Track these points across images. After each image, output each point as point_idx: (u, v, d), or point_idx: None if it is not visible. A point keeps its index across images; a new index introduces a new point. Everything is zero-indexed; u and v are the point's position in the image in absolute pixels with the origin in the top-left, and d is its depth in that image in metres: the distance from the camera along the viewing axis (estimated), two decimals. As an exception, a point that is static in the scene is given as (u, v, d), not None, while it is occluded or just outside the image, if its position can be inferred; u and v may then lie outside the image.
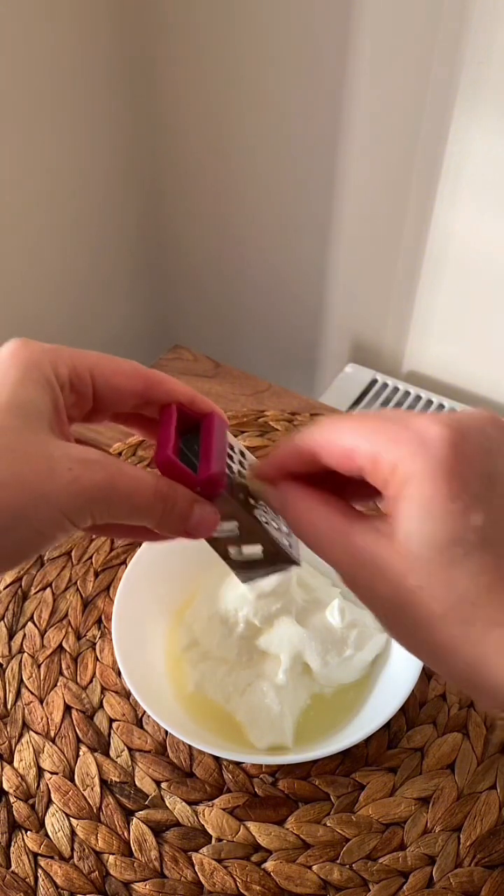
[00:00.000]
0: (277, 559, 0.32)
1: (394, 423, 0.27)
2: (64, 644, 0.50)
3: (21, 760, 0.44)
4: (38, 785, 0.44)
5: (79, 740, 0.45)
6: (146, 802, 0.43)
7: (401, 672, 0.44)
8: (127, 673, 0.42)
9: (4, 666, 0.49)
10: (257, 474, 0.31)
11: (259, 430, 0.64)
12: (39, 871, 0.41)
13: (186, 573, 0.50)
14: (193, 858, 0.41)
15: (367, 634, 0.47)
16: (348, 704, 0.46)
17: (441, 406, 0.87)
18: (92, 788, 0.43)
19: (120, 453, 0.62)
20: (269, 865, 0.41)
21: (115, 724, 0.46)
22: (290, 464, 0.31)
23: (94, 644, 0.50)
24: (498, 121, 0.69)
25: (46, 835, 0.42)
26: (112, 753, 0.45)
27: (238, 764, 0.44)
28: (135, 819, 0.42)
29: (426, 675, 0.48)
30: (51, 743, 0.45)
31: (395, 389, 0.89)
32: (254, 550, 0.32)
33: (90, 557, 0.54)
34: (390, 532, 0.27)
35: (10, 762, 0.44)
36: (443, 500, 0.25)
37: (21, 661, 0.49)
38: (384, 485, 0.27)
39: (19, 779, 0.44)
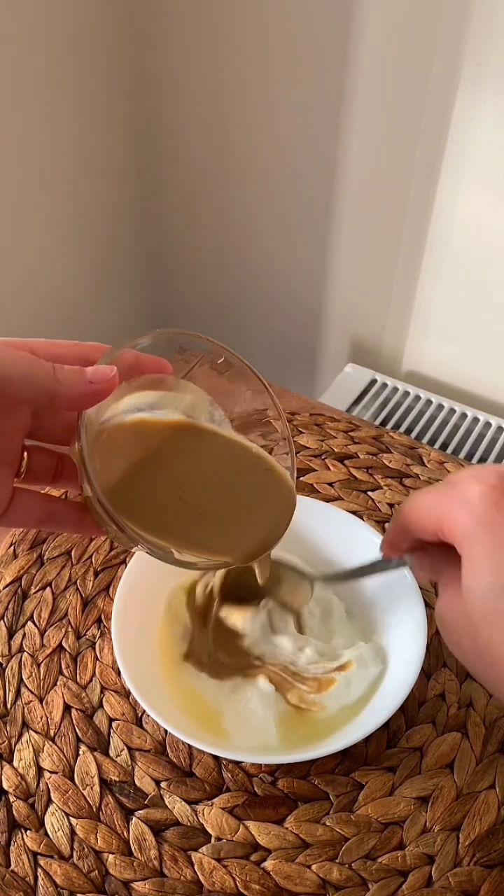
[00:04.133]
0: None
1: (446, 487, 0.31)
2: (64, 643, 0.50)
3: (21, 760, 0.44)
4: (38, 784, 0.44)
5: (78, 740, 0.45)
6: (146, 802, 0.43)
7: (400, 672, 0.44)
8: (126, 672, 0.42)
9: (4, 665, 0.49)
10: (385, 553, 0.37)
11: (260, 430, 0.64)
12: (39, 870, 0.41)
13: (187, 574, 0.51)
14: (193, 857, 0.41)
15: (362, 670, 0.46)
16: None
17: (440, 406, 0.87)
18: (91, 788, 0.43)
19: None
20: (268, 865, 0.41)
21: (114, 724, 0.46)
22: (398, 542, 0.35)
23: (94, 643, 0.50)
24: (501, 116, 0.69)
25: (46, 834, 0.42)
26: (112, 753, 0.45)
27: (237, 763, 0.44)
28: (134, 818, 0.42)
29: (425, 675, 0.48)
30: (50, 742, 0.45)
31: (395, 389, 0.89)
32: None
33: (90, 557, 0.54)
34: (462, 590, 0.29)
35: (10, 761, 0.44)
36: (489, 554, 0.27)
37: (21, 660, 0.49)
38: (459, 548, 0.30)
39: (19, 778, 0.44)
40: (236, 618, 0.47)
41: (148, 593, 0.48)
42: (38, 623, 0.51)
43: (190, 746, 0.45)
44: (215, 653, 0.47)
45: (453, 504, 0.30)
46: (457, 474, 0.31)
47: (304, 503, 0.52)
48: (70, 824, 0.42)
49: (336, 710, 0.44)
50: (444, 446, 0.83)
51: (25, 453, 0.34)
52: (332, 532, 0.51)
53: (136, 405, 0.34)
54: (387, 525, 0.57)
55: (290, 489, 0.38)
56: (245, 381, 0.37)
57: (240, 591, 0.47)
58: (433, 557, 0.34)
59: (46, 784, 0.44)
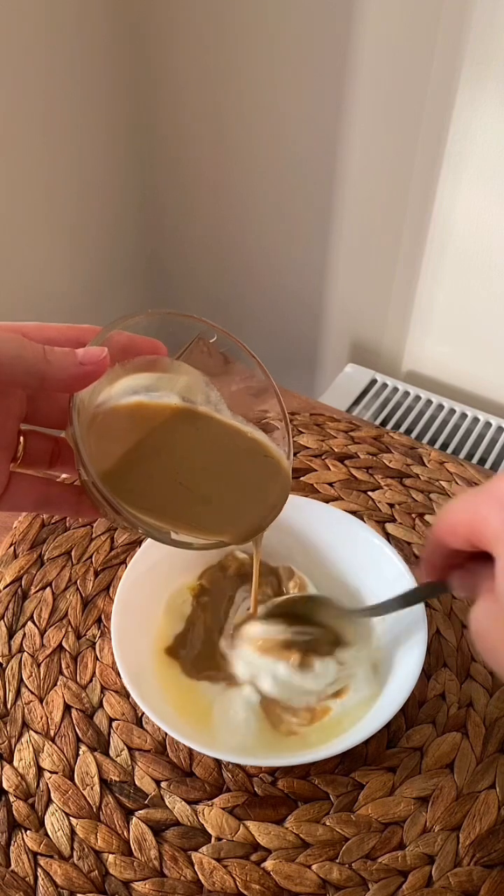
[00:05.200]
0: None
1: (477, 490, 0.30)
2: (64, 643, 0.50)
3: (21, 760, 0.44)
4: (38, 784, 0.44)
5: (78, 740, 0.45)
6: (146, 802, 0.43)
7: (400, 674, 0.44)
8: (125, 674, 0.42)
9: (4, 665, 0.49)
10: (424, 577, 0.35)
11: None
12: (39, 870, 0.41)
13: (187, 573, 0.51)
14: (193, 857, 0.41)
15: (356, 694, 0.45)
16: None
17: (440, 406, 0.87)
18: (91, 788, 0.43)
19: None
20: (268, 865, 0.41)
21: (114, 724, 0.46)
22: (436, 559, 0.34)
23: (94, 643, 0.50)
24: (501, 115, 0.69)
25: (46, 834, 0.42)
26: (112, 753, 0.45)
27: (237, 763, 0.44)
28: (134, 818, 0.42)
29: (425, 675, 0.48)
30: (50, 742, 0.45)
31: (395, 389, 0.89)
32: None
33: (90, 557, 0.54)
34: (496, 593, 0.28)
35: (10, 761, 0.44)
36: None
37: (21, 660, 0.49)
38: (491, 549, 0.29)
39: (19, 778, 0.44)
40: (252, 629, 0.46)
41: (148, 593, 0.48)
42: (38, 623, 0.51)
43: (190, 746, 0.45)
44: (202, 655, 0.47)
45: (484, 505, 0.29)
46: (492, 481, 0.30)
47: (303, 504, 0.52)
48: (70, 824, 0.42)
49: (320, 732, 0.44)
50: (444, 446, 0.83)
51: (22, 438, 0.34)
52: (332, 534, 0.51)
53: (132, 388, 0.34)
54: (387, 525, 0.57)
55: (285, 471, 0.38)
56: (239, 359, 0.37)
57: (289, 617, 0.46)
58: (472, 573, 0.33)
59: (46, 784, 0.44)
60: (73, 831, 0.42)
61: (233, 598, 0.50)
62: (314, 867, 0.41)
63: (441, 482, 0.60)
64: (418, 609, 0.45)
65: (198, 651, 0.47)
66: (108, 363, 0.30)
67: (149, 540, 0.50)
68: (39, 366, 0.28)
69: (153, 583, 0.49)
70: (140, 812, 0.43)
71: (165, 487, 0.34)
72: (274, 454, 0.38)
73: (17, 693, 0.47)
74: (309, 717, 0.44)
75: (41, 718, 0.46)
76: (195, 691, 0.46)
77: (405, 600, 0.43)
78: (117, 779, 0.44)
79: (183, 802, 0.43)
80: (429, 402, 0.88)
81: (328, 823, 0.42)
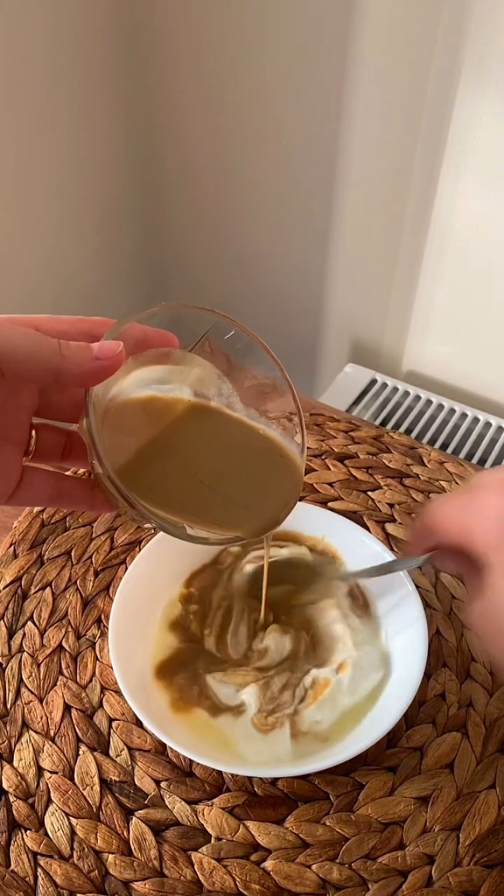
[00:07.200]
0: None
1: (467, 497, 0.33)
2: (64, 643, 0.50)
3: (21, 760, 0.44)
4: (38, 784, 0.44)
5: (78, 739, 0.45)
6: (146, 802, 0.43)
7: (402, 680, 0.44)
8: (122, 679, 0.42)
9: (4, 665, 0.49)
10: (408, 551, 0.38)
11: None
12: (39, 870, 0.41)
13: (187, 574, 0.51)
14: (193, 857, 0.41)
15: (361, 675, 0.45)
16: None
17: (440, 406, 0.87)
18: (91, 788, 0.43)
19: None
20: (268, 865, 0.41)
21: (114, 724, 0.46)
22: (422, 542, 0.37)
23: (94, 643, 0.50)
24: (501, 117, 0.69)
25: (46, 834, 0.42)
26: (112, 753, 0.45)
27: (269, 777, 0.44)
28: (134, 818, 0.42)
29: (425, 675, 0.48)
30: (50, 742, 0.45)
31: (395, 389, 0.89)
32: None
33: (90, 557, 0.54)
34: (490, 599, 0.31)
35: (10, 761, 0.44)
36: None
37: (21, 660, 0.49)
38: (482, 558, 0.32)
39: (19, 778, 0.44)
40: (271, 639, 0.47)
41: (148, 594, 0.48)
42: (38, 623, 0.51)
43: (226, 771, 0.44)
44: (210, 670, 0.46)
45: (475, 517, 0.32)
46: (479, 479, 0.33)
47: (304, 509, 0.52)
48: (70, 824, 0.42)
49: (336, 719, 0.44)
50: (444, 446, 0.83)
51: (34, 431, 0.33)
52: (332, 537, 0.51)
53: (144, 380, 0.33)
54: (387, 525, 0.57)
55: (298, 468, 0.38)
56: (253, 353, 0.36)
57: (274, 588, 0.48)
58: (455, 556, 0.36)
59: (46, 784, 0.44)
60: (73, 831, 0.42)
61: (230, 608, 0.49)
62: (314, 867, 0.41)
63: (441, 482, 0.60)
64: (418, 611, 0.45)
65: (182, 685, 0.46)
66: (123, 358, 0.29)
67: (147, 544, 0.50)
68: (55, 361, 0.28)
69: (153, 583, 0.48)
70: (140, 812, 0.43)
71: (184, 484, 0.34)
72: (287, 452, 0.38)
73: (17, 693, 0.47)
74: (313, 694, 0.44)
75: (41, 718, 0.46)
76: (200, 716, 0.45)
77: (387, 567, 0.46)
78: (117, 779, 0.44)
79: (183, 802, 0.43)
80: (429, 402, 0.88)
81: (328, 823, 0.42)
